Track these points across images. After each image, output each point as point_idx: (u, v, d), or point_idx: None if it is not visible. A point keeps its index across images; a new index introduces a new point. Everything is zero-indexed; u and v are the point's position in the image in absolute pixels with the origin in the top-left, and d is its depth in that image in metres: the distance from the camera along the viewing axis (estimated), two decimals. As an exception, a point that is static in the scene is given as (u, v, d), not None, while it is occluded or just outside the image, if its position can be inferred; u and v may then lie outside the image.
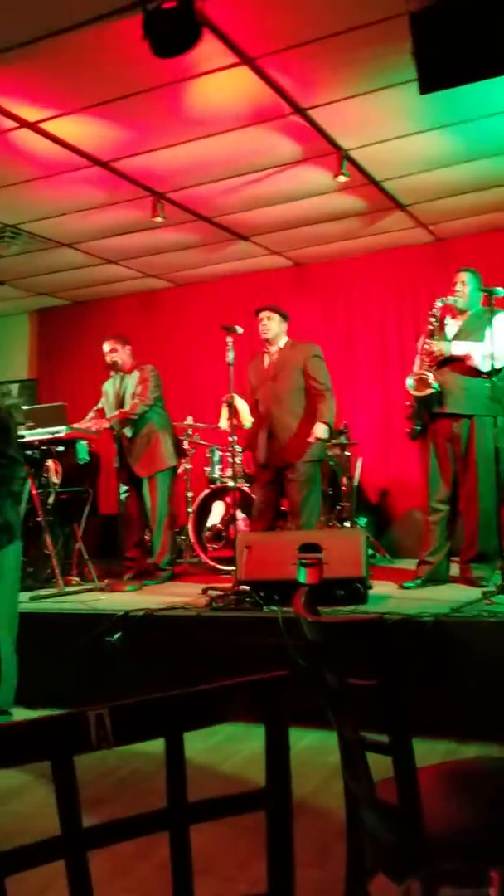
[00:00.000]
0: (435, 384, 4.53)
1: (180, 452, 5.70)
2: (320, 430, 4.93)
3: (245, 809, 1.00)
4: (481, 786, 1.67)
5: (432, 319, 4.72)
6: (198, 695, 0.99)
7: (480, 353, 4.44)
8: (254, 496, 5.47)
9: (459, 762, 1.88)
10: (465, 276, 4.71)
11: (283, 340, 5.24)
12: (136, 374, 5.56)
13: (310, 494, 5.09)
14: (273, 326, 5.18)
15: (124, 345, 5.64)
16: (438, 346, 4.59)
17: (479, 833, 1.43)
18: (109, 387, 5.72)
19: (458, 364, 4.55)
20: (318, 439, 4.94)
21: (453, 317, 4.77)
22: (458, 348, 4.55)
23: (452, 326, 4.72)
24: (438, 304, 4.74)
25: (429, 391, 4.54)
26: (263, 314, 5.23)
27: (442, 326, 4.74)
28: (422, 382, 4.58)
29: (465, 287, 4.68)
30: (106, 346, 5.65)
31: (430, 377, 4.54)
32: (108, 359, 5.61)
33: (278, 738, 1.00)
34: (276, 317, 5.22)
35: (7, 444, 3.57)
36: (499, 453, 4.45)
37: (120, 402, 5.56)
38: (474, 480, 4.52)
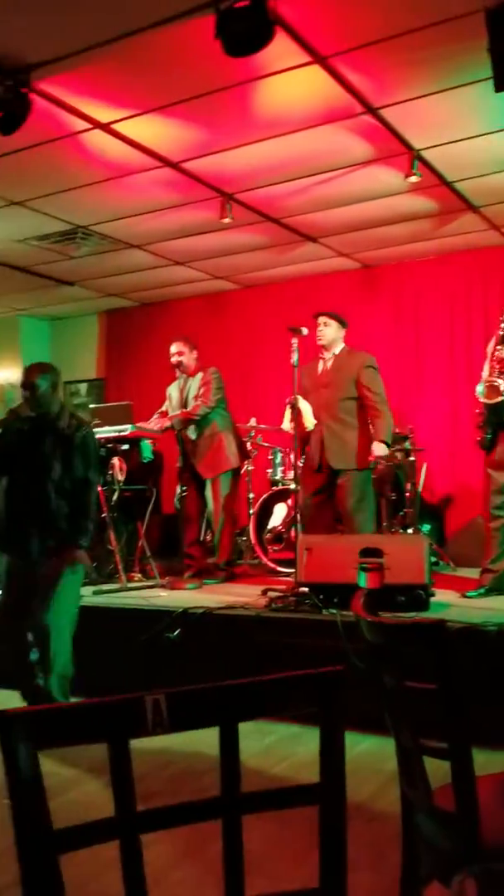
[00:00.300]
0: None
1: (244, 454, 5.71)
2: (379, 449, 4.93)
3: (298, 803, 0.99)
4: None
5: (503, 325, 4.61)
6: (254, 686, 0.99)
7: None
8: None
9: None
10: None
11: (339, 347, 5.23)
12: (199, 377, 5.61)
13: (360, 502, 5.10)
14: (329, 333, 5.18)
15: (192, 348, 5.71)
16: None
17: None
18: (174, 389, 5.78)
19: None
20: (377, 458, 4.90)
21: None
22: None
23: None
24: None
25: (499, 398, 4.44)
26: (321, 319, 5.23)
27: None
28: (492, 390, 4.48)
29: None
30: (173, 348, 5.72)
31: (502, 384, 4.44)
32: (174, 360, 5.67)
33: (333, 733, 0.99)
34: (333, 323, 5.21)
35: (87, 467, 3.67)
36: None
37: (183, 404, 5.63)
38: None
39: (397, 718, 1.55)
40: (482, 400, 4.54)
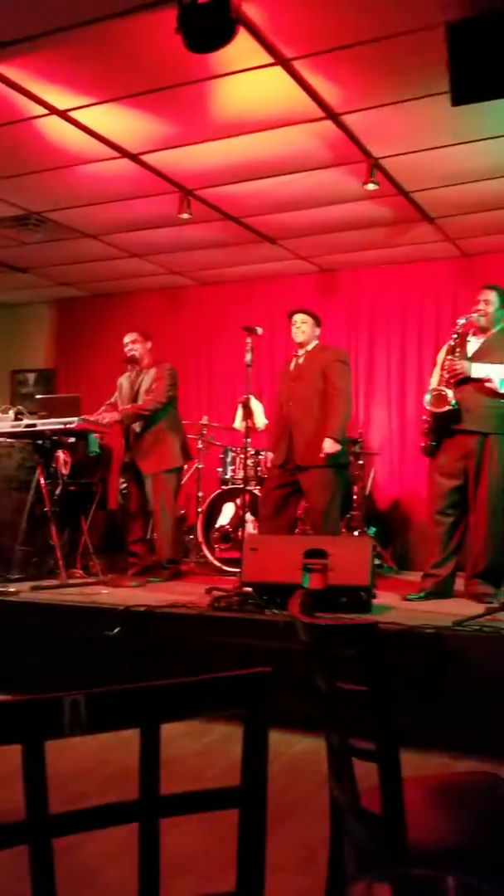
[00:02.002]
0: (453, 402, 4.49)
1: (188, 454, 5.65)
2: (327, 445, 4.86)
3: (218, 806, 0.97)
4: (468, 801, 1.64)
5: (454, 336, 4.69)
6: (177, 687, 0.97)
7: (499, 377, 4.42)
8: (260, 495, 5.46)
9: (450, 776, 1.84)
10: (489, 294, 4.67)
11: (312, 344, 5.23)
12: (153, 371, 5.55)
13: (324, 499, 5.02)
14: (307, 329, 5.18)
15: (146, 340, 5.65)
16: (461, 365, 4.55)
17: (456, 846, 1.40)
18: (125, 380, 5.71)
19: (477, 383, 4.52)
20: (326, 455, 4.88)
21: (475, 334, 4.73)
22: (478, 370, 4.51)
23: (474, 344, 4.68)
24: (461, 321, 4.73)
25: (447, 408, 4.51)
26: (298, 317, 5.22)
27: (463, 343, 4.71)
28: (440, 399, 4.54)
29: (489, 305, 4.63)
30: (127, 338, 5.66)
31: (449, 394, 4.50)
32: (128, 350, 5.61)
33: (256, 736, 0.98)
34: (310, 320, 5.21)
35: None
36: None
37: (134, 397, 5.55)
38: (485, 497, 4.49)
39: (328, 719, 1.55)
40: (429, 408, 4.61)
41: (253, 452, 6.35)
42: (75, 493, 5.62)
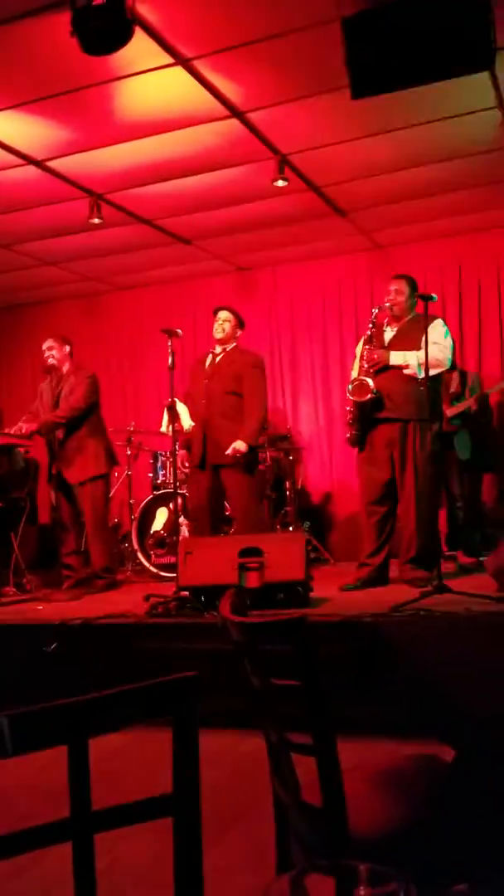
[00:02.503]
0: (374, 390, 4.57)
1: (113, 460, 5.55)
2: (238, 445, 4.87)
3: (151, 816, 0.96)
4: (409, 785, 1.66)
5: (370, 326, 4.77)
6: (102, 699, 0.95)
7: (416, 362, 4.50)
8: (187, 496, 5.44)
9: (391, 761, 1.87)
10: (399, 284, 4.78)
11: (231, 345, 5.21)
12: (72, 378, 5.43)
13: (244, 498, 5.05)
14: (227, 328, 5.17)
15: (63, 344, 5.51)
16: (378, 354, 4.63)
17: (398, 833, 1.42)
18: (46, 387, 5.58)
19: (396, 370, 4.60)
20: (236, 452, 4.88)
21: (390, 324, 4.82)
22: (396, 358, 4.61)
23: (389, 333, 4.78)
24: (375, 311, 4.83)
25: (369, 396, 4.59)
26: (222, 314, 5.20)
27: (381, 332, 4.79)
28: (361, 388, 4.62)
29: (400, 295, 4.73)
30: (45, 345, 5.50)
31: (370, 382, 4.58)
32: (46, 356, 5.46)
33: (187, 742, 0.96)
34: (233, 320, 5.21)
35: None
36: (435, 457, 4.51)
37: (54, 404, 5.42)
38: (412, 483, 4.57)
39: (265, 717, 1.55)
40: (352, 398, 4.67)
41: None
42: (3, 508, 5.47)
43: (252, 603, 3.95)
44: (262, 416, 5.09)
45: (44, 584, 5.56)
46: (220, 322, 5.19)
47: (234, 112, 4.44)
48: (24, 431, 5.19)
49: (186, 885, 0.94)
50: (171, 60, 3.88)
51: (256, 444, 5.05)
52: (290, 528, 6.39)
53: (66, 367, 5.46)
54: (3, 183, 5.17)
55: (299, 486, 6.94)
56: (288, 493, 6.63)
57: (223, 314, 5.21)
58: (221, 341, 5.20)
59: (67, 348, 5.51)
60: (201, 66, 3.97)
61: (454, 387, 5.70)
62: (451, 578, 4.42)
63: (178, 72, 3.98)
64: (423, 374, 4.42)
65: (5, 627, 4.31)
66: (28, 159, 4.86)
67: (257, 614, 2.22)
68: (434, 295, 4.40)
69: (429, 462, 4.57)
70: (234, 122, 4.54)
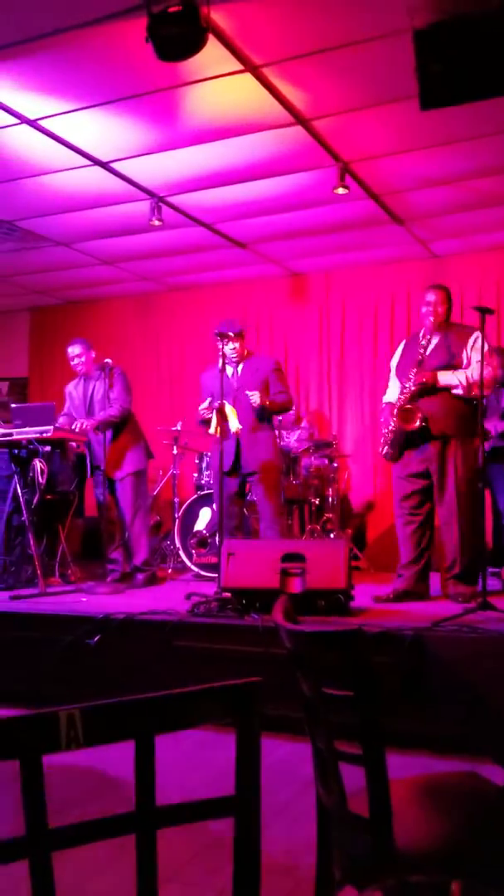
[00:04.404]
0: (424, 416, 4.45)
1: (149, 454, 5.67)
2: (255, 396, 5.06)
3: (214, 815, 0.99)
4: (453, 801, 1.66)
5: (421, 350, 4.59)
6: (170, 698, 0.98)
7: (460, 380, 4.43)
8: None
9: (433, 776, 1.87)
10: (439, 294, 4.59)
11: (248, 356, 5.37)
12: (103, 377, 5.47)
13: (271, 508, 5.18)
14: (239, 348, 5.27)
15: (89, 349, 5.63)
16: (427, 377, 4.49)
17: (446, 848, 1.42)
18: (74, 389, 5.68)
19: (443, 392, 4.49)
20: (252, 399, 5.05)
21: (425, 336, 4.62)
22: (444, 378, 4.47)
23: (430, 345, 4.61)
24: (422, 333, 4.65)
25: (418, 424, 4.46)
26: (229, 346, 5.17)
27: (417, 344, 4.64)
28: (410, 416, 4.48)
29: (441, 305, 4.56)
30: (72, 351, 5.57)
31: (418, 414, 4.46)
32: (76, 363, 5.57)
33: (250, 746, 0.99)
34: (241, 341, 5.30)
35: None
36: (478, 472, 4.44)
37: (88, 406, 5.52)
38: (453, 498, 4.50)
39: (314, 725, 1.56)
40: (401, 426, 4.51)
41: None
42: (52, 501, 5.58)
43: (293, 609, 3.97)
44: (288, 400, 5.27)
45: (88, 577, 5.65)
46: (230, 349, 5.21)
47: (299, 119, 4.46)
48: (85, 429, 5.30)
49: (246, 883, 0.97)
50: (240, 67, 3.92)
51: (271, 410, 5.23)
52: (332, 535, 6.39)
53: (93, 370, 5.56)
54: (67, 183, 5.27)
55: (342, 494, 6.94)
56: (330, 499, 6.63)
57: (229, 346, 5.20)
58: (237, 361, 5.29)
59: (92, 351, 5.62)
60: (269, 73, 4.00)
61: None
62: (496, 596, 4.37)
63: (247, 78, 4.02)
64: (462, 392, 4.39)
65: (49, 618, 4.40)
66: (94, 160, 4.95)
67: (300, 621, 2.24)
68: (492, 308, 4.33)
69: (470, 477, 4.49)
70: (299, 129, 4.57)
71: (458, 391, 4.48)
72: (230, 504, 5.23)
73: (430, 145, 4.80)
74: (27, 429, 5.17)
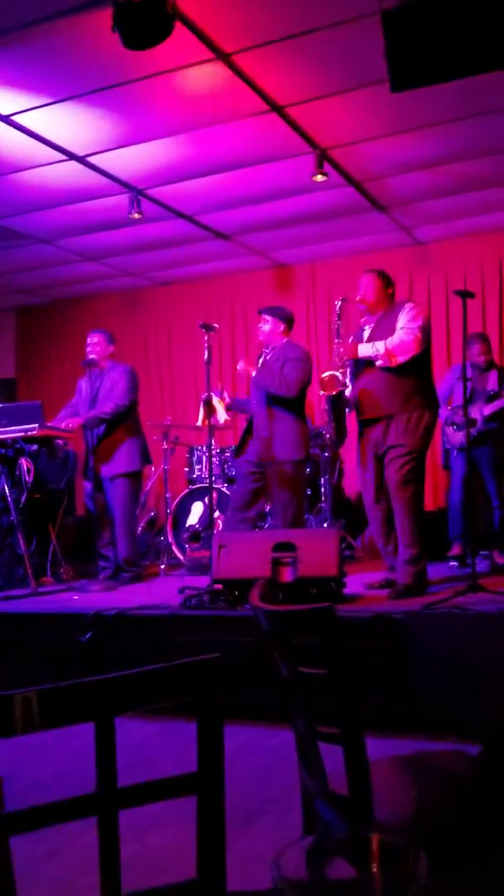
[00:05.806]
0: (345, 382, 4.41)
1: (147, 459, 5.57)
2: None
3: (175, 794, 0.97)
4: (435, 779, 1.66)
5: (336, 319, 4.62)
6: (127, 679, 0.97)
7: (377, 349, 4.30)
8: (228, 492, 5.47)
9: (420, 755, 1.86)
10: (368, 278, 4.54)
11: (278, 344, 5.15)
12: (112, 373, 5.46)
13: (287, 495, 5.02)
14: (266, 329, 5.12)
15: (107, 340, 5.54)
16: (346, 347, 4.45)
17: (419, 818, 1.42)
18: (84, 383, 5.63)
19: (374, 367, 4.38)
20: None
21: (367, 322, 4.60)
22: (364, 349, 4.37)
23: (367, 331, 4.56)
24: (338, 302, 4.67)
25: (340, 389, 4.43)
26: (263, 316, 5.15)
27: (360, 331, 4.61)
28: (332, 382, 4.43)
29: (368, 288, 4.51)
30: (90, 338, 5.53)
31: (339, 375, 4.41)
32: (89, 349, 5.50)
33: (209, 723, 0.98)
34: (270, 319, 5.13)
35: None
36: (420, 452, 4.34)
37: (93, 399, 5.47)
38: (393, 480, 4.37)
39: (293, 705, 1.56)
40: (323, 393, 4.60)
41: (218, 450, 6.35)
42: (41, 500, 5.55)
43: (284, 597, 3.96)
44: (281, 384, 4.91)
45: (80, 575, 5.63)
46: (260, 324, 5.17)
47: (274, 107, 4.44)
48: (70, 427, 5.26)
49: (210, 861, 0.96)
50: (211, 55, 3.89)
51: (261, 384, 5.04)
52: (325, 524, 6.38)
53: (105, 363, 5.50)
54: (45, 178, 5.24)
55: (335, 482, 6.92)
56: (323, 488, 6.61)
57: (264, 317, 5.17)
58: (264, 343, 5.20)
59: (111, 345, 5.54)
60: (241, 61, 3.98)
61: (491, 385, 5.62)
62: (486, 578, 4.36)
63: (218, 66, 3.99)
64: (393, 364, 4.25)
65: (42, 616, 4.38)
66: (70, 155, 4.92)
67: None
68: (473, 292, 4.30)
69: (412, 456, 4.31)
70: (274, 116, 4.54)
71: (380, 362, 4.33)
72: (244, 491, 5.09)
73: (407, 129, 4.77)
74: (12, 427, 5.14)
